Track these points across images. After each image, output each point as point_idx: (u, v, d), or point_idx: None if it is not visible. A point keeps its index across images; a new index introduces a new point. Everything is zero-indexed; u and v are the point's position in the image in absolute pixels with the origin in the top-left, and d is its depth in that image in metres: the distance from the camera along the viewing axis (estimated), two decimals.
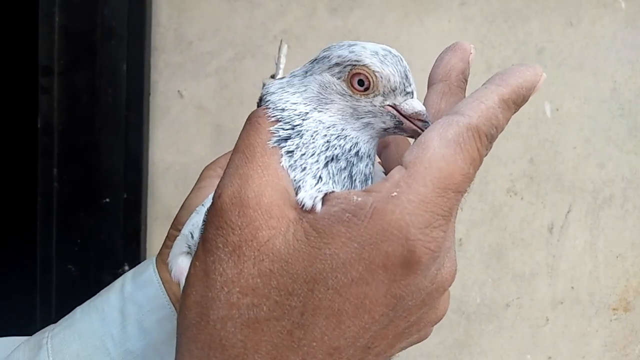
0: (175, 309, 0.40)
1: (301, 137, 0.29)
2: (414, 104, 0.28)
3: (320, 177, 0.28)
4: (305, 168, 0.28)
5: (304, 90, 0.31)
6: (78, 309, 0.42)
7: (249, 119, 0.32)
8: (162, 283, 0.41)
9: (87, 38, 0.91)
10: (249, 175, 0.27)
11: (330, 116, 0.30)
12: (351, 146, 0.29)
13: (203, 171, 0.48)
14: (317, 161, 0.28)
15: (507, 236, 0.94)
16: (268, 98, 0.32)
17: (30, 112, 0.91)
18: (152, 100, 0.94)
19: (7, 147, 0.95)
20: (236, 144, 0.30)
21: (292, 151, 0.29)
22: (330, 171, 0.28)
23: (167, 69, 0.95)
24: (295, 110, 0.30)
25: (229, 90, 0.94)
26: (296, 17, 0.93)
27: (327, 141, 0.29)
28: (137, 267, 0.44)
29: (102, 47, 0.90)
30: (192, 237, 0.36)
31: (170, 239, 0.44)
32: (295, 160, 0.28)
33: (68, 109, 0.91)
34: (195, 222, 0.37)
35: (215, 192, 0.27)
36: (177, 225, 0.46)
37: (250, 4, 0.93)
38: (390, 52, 0.29)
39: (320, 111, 0.30)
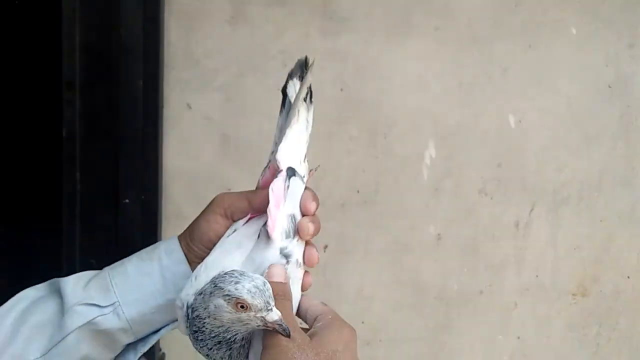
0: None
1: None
2: (273, 316, 0.44)
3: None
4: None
5: (204, 309, 0.46)
6: (130, 266, 0.55)
7: None
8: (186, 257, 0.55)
9: (106, 56, 0.99)
10: None
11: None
12: (231, 337, 0.47)
13: (217, 197, 0.57)
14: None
15: (479, 231, 1.04)
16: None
17: (56, 123, 0.98)
18: (164, 112, 1.03)
19: (35, 154, 1.02)
20: None
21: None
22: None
23: (178, 84, 1.03)
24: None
25: (232, 103, 1.03)
26: (292, 39, 1.02)
27: (217, 335, 0.47)
28: (166, 243, 0.56)
29: (119, 64, 0.98)
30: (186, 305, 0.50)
31: (182, 242, 0.56)
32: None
33: (89, 120, 1.00)
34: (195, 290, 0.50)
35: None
36: (189, 234, 0.56)
37: (251, 27, 1.02)
38: (259, 289, 0.44)
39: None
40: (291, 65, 1.14)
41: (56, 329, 0.53)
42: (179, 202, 1.03)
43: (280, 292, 0.47)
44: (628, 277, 1.06)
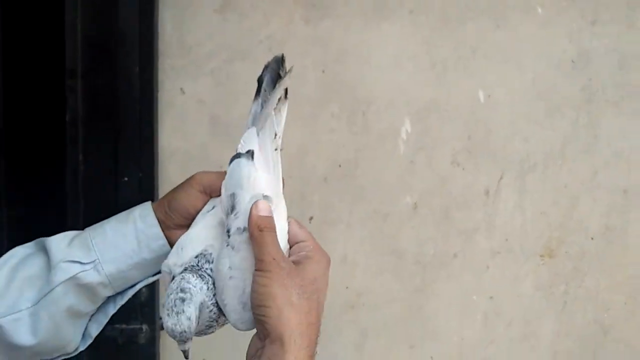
0: (165, 238, 0.61)
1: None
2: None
3: None
4: None
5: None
6: (108, 228, 0.61)
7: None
8: (159, 223, 0.61)
9: (105, 45, 1.06)
10: None
11: None
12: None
13: (196, 174, 0.62)
14: None
15: (452, 200, 1.11)
16: None
17: (60, 108, 1.06)
18: (159, 97, 1.10)
19: (41, 137, 1.10)
20: None
21: None
22: None
23: (172, 70, 1.10)
24: None
25: (223, 87, 1.10)
26: (277, 26, 1.09)
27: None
28: (140, 208, 0.62)
29: (117, 53, 1.05)
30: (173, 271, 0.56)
31: (157, 209, 0.62)
32: None
33: (90, 105, 1.07)
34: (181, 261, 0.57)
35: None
36: (167, 203, 0.62)
37: (239, 16, 1.09)
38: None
39: None
40: (276, 50, 1.20)
41: (44, 282, 0.59)
42: (174, 180, 1.09)
43: (267, 225, 0.53)
44: (592, 238, 1.12)
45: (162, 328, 1.11)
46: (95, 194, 1.07)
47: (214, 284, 0.54)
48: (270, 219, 0.54)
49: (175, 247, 0.57)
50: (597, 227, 1.12)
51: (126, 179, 1.07)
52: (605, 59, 1.09)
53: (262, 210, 0.53)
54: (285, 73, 0.58)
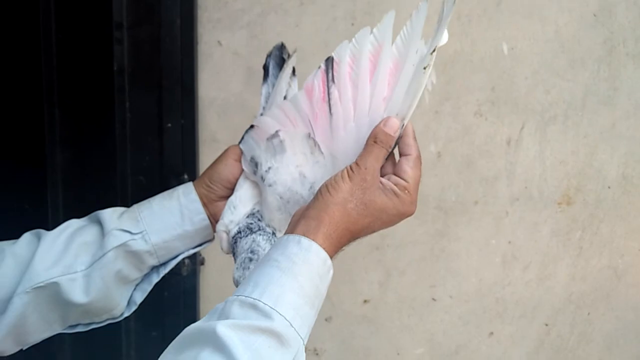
0: (207, 215, 0.70)
1: None
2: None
3: None
4: None
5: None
6: (154, 204, 0.69)
7: None
8: (200, 199, 0.70)
9: (148, 0, 1.13)
10: None
11: None
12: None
13: (229, 148, 0.71)
14: None
15: (474, 149, 1.15)
16: None
17: (108, 59, 1.13)
18: (199, 48, 1.16)
19: (90, 87, 1.17)
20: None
21: None
22: None
23: (209, 23, 1.15)
24: None
25: (257, 39, 1.14)
26: None
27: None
28: (183, 187, 0.71)
29: (160, 6, 1.12)
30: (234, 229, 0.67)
31: (198, 186, 0.71)
32: None
33: (135, 55, 1.14)
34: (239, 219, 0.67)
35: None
36: (208, 178, 0.71)
37: None
38: None
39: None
40: (307, 4, 1.22)
41: (98, 247, 0.66)
42: (212, 128, 1.17)
43: (384, 140, 0.58)
44: (609, 187, 1.17)
45: (202, 263, 1.21)
46: (141, 140, 1.15)
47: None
48: (390, 137, 0.59)
49: (227, 207, 0.68)
50: (614, 176, 1.16)
51: (169, 125, 1.15)
52: (627, 13, 1.10)
53: (390, 127, 0.59)
54: (289, 56, 0.69)
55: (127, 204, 0.72)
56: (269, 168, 0.64)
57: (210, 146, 1.18)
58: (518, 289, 1.21)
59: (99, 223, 0.68)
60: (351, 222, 0.57)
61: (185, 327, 0.51)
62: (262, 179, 0.65)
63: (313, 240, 0.55)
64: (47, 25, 1.14)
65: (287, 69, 0.69)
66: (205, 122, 1.18)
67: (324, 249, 0.55)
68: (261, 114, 0.70)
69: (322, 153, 0.61)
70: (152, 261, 0.68)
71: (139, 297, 0.70)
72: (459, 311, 1.22)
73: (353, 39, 0.62)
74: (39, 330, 0.65)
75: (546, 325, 1.23)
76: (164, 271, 0.70)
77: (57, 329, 0.67)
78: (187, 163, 1.17)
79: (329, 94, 0.61)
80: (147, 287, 0.70)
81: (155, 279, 0.70)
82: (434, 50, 0.59)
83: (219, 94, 1.18)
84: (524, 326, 1.22)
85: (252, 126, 0.68)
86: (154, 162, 1.17)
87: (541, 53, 1.12)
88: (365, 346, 1.25)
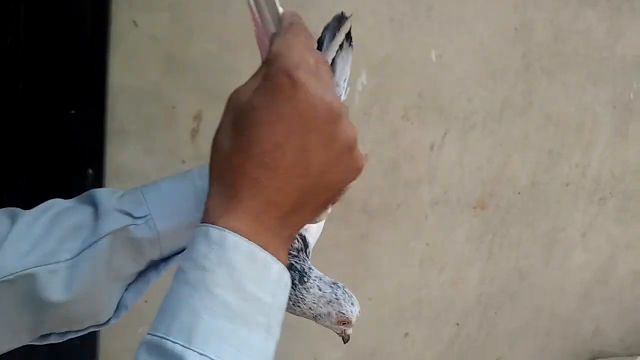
0: None
1: None
2: (350, 331, 0.57)
3: None
4: None
5: (314, 302, 0.57)
6: (162, 185, 0.55)
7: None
8: None
9: None
10: None
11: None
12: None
13: None
14: None
15: (400, 152, 1.15)
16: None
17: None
18: (112, 29, 1.04)
19: None
20: None
21: None
22: None
23: (125, 1, 1.04)
24: None
25: (180, 23, 1.05)
26: None
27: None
28: (199, 168, 0.57)
29: None
30: None
31: None
32: None
33: (34, 29, 0.99)
34: None
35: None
36: None
37: None
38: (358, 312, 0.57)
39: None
40: None
41: (89, 232, 0.52)
42: (122, 119, 1.05)
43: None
44: (519, 193, 1.24)
45: None
46: (38, 126, 1.00)
47: None
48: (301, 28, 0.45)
49: None
50: (524, 183, 1.23)
51: (73, 112, 1.01)
52: (544, 32, 1.17)
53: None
54: (345, 21, 0.58)
55: (16, 204, 0.56)
56: None
57: (119, 138, 1.05)
58: (433, 291, 1.24)
59: (93, 204, 0.53)
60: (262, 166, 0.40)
61: None
62: None
63: (224, 226, 0.39)
64: None
65: (339, 37, 0.58)
66: (115, 111, 1.05)
67: (244, 234, 0.39)
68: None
69: None
70: (153, 253, 0.54)
71: (130, 300, 0.56)
72: (377, 313, 1.22)
73: None
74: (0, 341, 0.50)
75: (457, 325, 1.27)
76: (164, 269, 0.56)
77: (24, 339, 0.52)
78: (93, 156, 1.04)
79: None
80: (143, 287, 0.56)
81: (155, 277, 0.56)
82: None
83: (132, 81, 1.06)
84: (437, 327, 1.26)
85: None
86: (51, 153, 1.02)
87: (466, 62, 1.16)
88: (283, 352, 1.21)
